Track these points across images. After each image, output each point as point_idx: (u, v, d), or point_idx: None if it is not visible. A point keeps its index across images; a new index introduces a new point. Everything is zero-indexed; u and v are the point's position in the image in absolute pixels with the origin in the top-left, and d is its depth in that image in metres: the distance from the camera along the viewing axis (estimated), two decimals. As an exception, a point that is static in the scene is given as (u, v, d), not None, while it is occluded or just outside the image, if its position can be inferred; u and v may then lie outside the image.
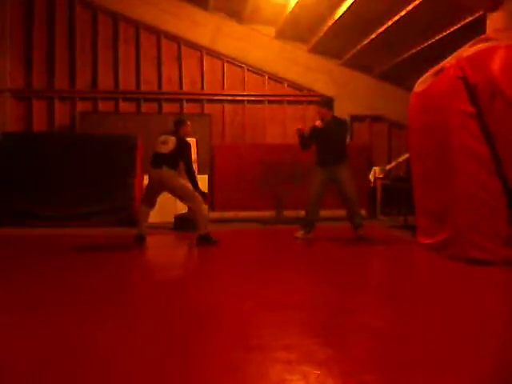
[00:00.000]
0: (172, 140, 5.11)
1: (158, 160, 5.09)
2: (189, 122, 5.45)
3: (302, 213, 5.75)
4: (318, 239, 5.62)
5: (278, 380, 1.68)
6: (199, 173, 7.06)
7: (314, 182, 5.50)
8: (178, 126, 5.31)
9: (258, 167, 8.59)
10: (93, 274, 3.80)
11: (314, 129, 5.40)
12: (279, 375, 1.72)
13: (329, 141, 5.34)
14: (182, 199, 5.24)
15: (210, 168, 8.79)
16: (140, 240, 5.18)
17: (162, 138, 5.19)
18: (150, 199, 5.27)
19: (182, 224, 6.72)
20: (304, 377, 1.69)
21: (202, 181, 7.71)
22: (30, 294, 3.05)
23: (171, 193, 5.21)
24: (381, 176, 8.62)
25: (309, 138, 5.47)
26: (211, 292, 3.20)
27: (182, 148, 5.13)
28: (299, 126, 5.68)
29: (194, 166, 6.88)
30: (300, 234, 5.55)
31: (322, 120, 5.35)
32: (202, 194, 5.22)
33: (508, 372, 1.79)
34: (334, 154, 5.37)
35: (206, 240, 5.09)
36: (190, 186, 5.17)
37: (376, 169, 8.89)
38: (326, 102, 5.62)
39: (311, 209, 5.51)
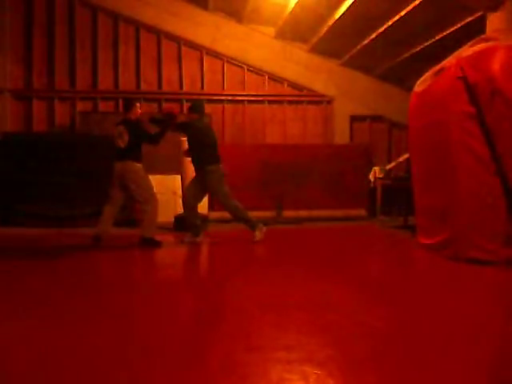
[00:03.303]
0: (125, 131, 4.97)
1: (121, 153, 4.98)
2: (138, 104, 5.28)
3: (302, 213, 5.74)
4: (317, 239, 5.61)
5: (278, 380, 1.68)
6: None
7: (188, 185, 5.43)
8: (127, 111, 5.16)
9: (257, 167, 8.58)
10: (91, 274, 3.80)
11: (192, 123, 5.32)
12: (279, 375, 1.72)
13: (195, 145, 5.25)
14: (136, 197, 5.04)
15: (209, 168, 8.79)
16: (96, 240, 4.99)
17: (116, 131, 5.04)
18: (112, 195, 5.09)
19: (183, 224, 6.72)
20: (304, 377, 1.69)
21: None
22: (29, 294, 3.04)
23: (129, 188, 4.99)
24: (381, 176, 8.62)
25: (176, 127, 5.35)
26: (210, 292, 3.20)
27: (136, 133, 4.99)
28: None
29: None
30: (187, 237, 5.38)
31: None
32: (169, 116, 5.09)
33: (507, 372, 1.79)
34: (197, 160, 5.29)
35: (149, 243, 4.98)
36: (149, 187, 5.03)
37: (376, 169, 8.89)
38: (194, 108, 5.42)
39: (189, 213, 5.36)
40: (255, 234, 5.27)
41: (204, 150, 5.24)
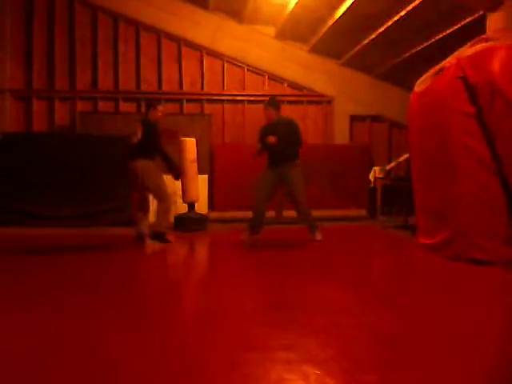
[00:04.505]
0: (139, 127, 5.02)
1: (133, 151, 5.04)
2: (160, 107, 5.33)
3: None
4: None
5: (278, 380, 1.68)
6: (199, 173, 7.05)
7: (262, 184, 5.41)
8: (147, 111, 5.26)
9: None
10: (91, 274, 3.80)
11: (264, 130, 5.47)
12: (279, 375, 1.72)
13: (281, 140, 5.19)
14: (153, 194, 5.16)
15: (209, 168, 8.79)
16: (139, 238, 5.21)
17: (133, 129, 5.09)
18: (139, 196, 5.21)
19: (182, 224, 6.72)
20: (304, 377, 1.69)
21: (202, 181, 7.72)
22: (30, 294, 3.04)
23: (144, 185, 5.06)
24: (381, 176, 8.61)
25: (262, 146, 5.42)
26: (211, 292, 3.20)
27: (149, 133, 5.04)
28: (255, 152, 5.52)
29: (194, 166, 6.87)
30: (246, 235, 5.41)
31: (269, 120, 5.41)
32: (176, 168, 5.32)
33: (507, 372, 1.79)
34: (282, 155, 5.27)
35: (159, 237, 5.07)
36: (164, 184, 5.12)
37: (376, 169, 8.89)
38: (273, 102, 5.48)
39: (258, 211, 5.38)
40: (316, 234, 5.44)
41: (290, 144, 5.23)
